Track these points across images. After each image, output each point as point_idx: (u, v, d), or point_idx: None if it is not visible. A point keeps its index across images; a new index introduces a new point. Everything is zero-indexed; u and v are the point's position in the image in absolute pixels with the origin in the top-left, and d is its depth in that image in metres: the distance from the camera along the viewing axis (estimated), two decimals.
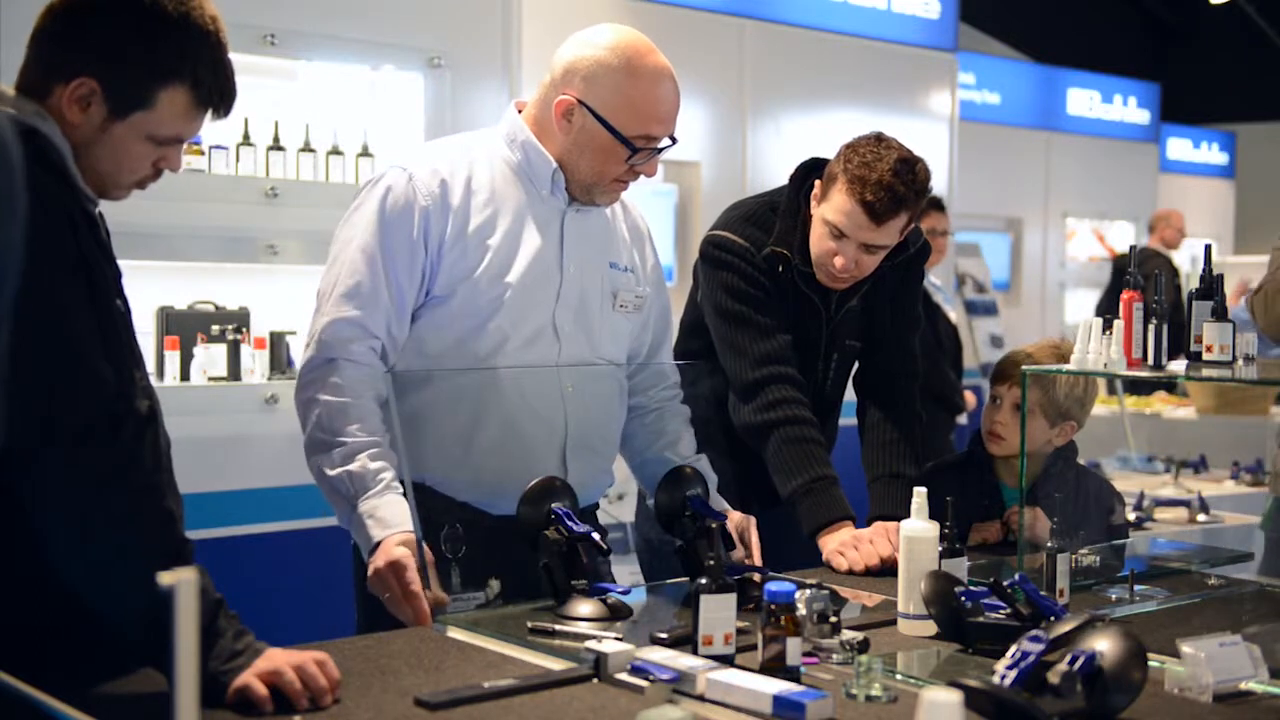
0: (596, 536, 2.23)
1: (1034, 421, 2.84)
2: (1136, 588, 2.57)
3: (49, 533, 1.66)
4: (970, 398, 5.88)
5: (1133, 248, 2.56)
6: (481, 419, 2.36)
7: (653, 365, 2.64)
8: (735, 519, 2.48)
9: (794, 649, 1.84)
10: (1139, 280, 2.39)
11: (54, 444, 1.64)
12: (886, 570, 2.52)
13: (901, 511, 2.31)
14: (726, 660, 1.87)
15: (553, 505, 2.24)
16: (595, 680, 1.85)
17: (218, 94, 1.81)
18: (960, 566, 2.19)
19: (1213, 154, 12.91)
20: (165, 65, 1.76)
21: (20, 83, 1.78)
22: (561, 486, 2.29)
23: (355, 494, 2.20)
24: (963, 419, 5.90)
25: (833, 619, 2.01)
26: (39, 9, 1.80)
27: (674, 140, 2.39)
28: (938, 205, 5.73)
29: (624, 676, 1.82)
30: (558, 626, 2.10)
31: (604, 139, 2.33)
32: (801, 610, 1.94)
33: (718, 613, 1.89)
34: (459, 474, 2.37)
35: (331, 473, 2.22)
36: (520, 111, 2.45)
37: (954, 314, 5.92)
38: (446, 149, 2.43)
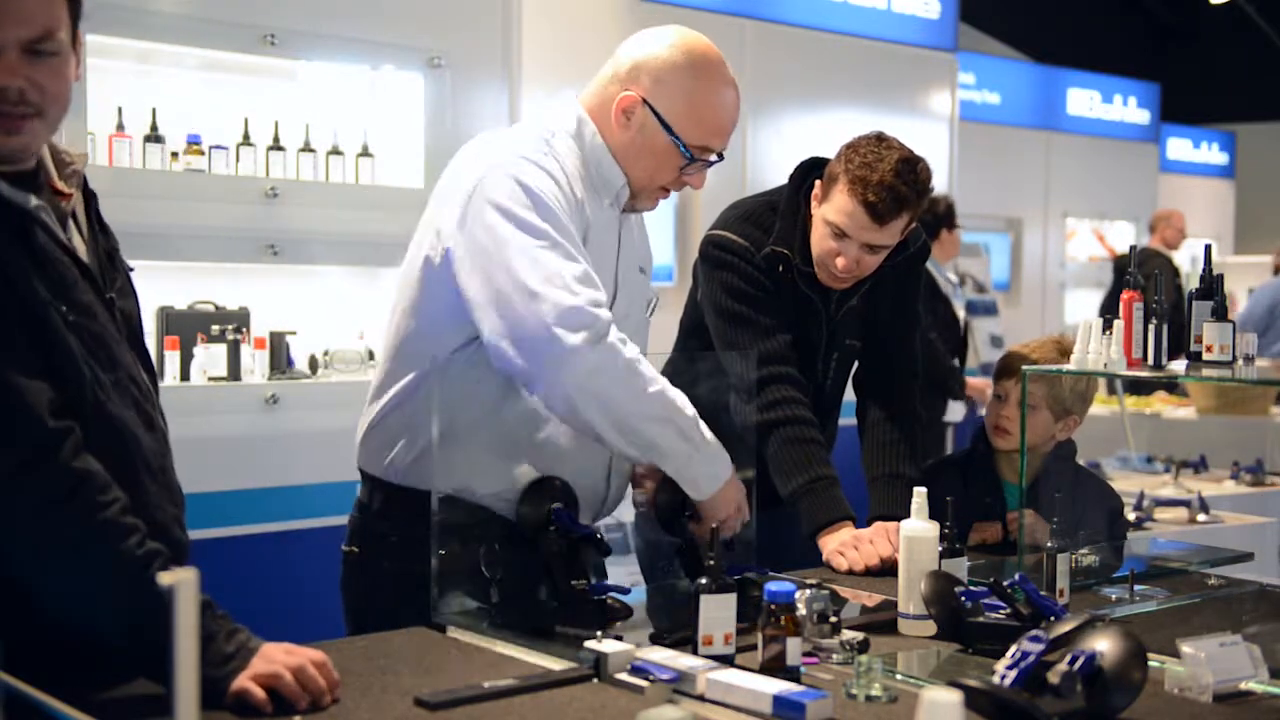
0: (596, 537, 2.22)
1: (1039, 416, 2.88)
2: (1136, 588, 2.57)
3: (13, 561, 1.63)
4: (979, 383, 5.85)
5: (1133, 248, 2.57)
6: (525, 431, 2.27)
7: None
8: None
9: (794, 649, 1.84)
10: (1139, 280, 2.40)
11: None
12: (886, 570, 2.52)
13: (901, 511, 2.31)
14: (726, 660, 1.87)
15: (553, 505, 2.24)
16: (595, 680, 1.85)
17: None
18: (960, 566, 2.19)
19: (1213, 154, 12.92)
20: None
21: None
22: (561, 486, 2.27)
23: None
24: (961, 408, 5.90)
25: (833, 619, 2.01)
26: None
27: (721, 156, 2.32)
28: (949, 222, 5.78)
29: (624, 676, 1.82)
30: (558, 627, 2.10)
31: (663, 143, 2.26)
32: (801, 610, 1.94)
33: (718, 613, 1.89)
34: (500, 486, 2.26)
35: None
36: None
37: (961, 310, 5.93)
38: (537, 148, 2.23)
